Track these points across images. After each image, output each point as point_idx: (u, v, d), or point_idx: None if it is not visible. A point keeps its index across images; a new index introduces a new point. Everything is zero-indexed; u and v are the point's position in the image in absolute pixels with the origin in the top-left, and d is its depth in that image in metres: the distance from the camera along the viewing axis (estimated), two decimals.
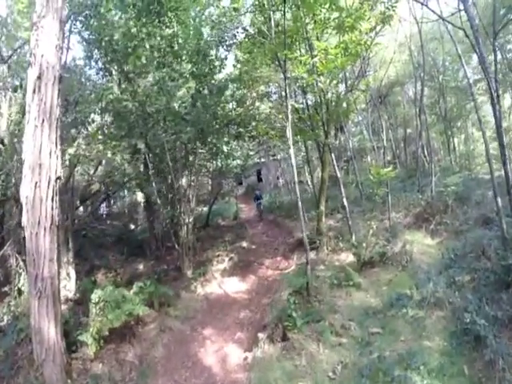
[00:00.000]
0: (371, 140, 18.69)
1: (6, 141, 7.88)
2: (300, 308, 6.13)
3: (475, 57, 17.94)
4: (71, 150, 8.90)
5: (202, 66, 9.09)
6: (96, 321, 5.46)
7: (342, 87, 12.51)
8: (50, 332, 4.43)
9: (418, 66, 14.67)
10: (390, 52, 16.34)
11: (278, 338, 5.57)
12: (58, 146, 4.58)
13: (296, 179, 7.77)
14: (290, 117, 7.73)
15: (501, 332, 4.49)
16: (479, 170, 15.85)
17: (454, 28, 17.29)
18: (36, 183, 4.29)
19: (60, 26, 4.81)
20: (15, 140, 7.69)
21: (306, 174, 19.84)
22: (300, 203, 7.44)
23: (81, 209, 11.70)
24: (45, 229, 4.35)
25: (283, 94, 13.27)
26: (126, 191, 15.34)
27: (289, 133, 7.67)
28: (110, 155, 9.62)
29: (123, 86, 8.63)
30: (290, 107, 8.08)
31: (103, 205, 13.54)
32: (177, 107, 8.67)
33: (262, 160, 24.90)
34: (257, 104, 12.10)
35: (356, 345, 5.30)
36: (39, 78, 4.40)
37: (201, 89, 9.23)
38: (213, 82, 9.37)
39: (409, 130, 22.43)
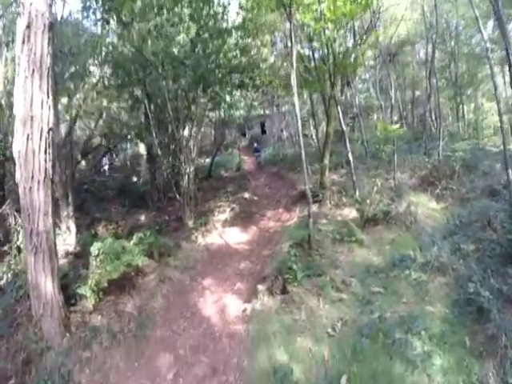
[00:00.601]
0: (378, 98, 17.03)
1: (2, 101, 7.25)
2: (301, 261, 5.73)
3: (490, 24, 15.60)
4: (64, 100, 8.03)
5: (203, 9, 7.71)
6: (95, 273, 5.08)
7: (350, 41, 11.02)
8: (47, 286, 4.16)
9: (430, 27, 13.13)
10: (401, 9, 14.62)
11: (278, 291, 5.22)
12: (50, 97, 4.16)
13: (300, 129, 6.95)
14: (294, 64, 6.80)
15: (505, 307, 4.05)
16: (486, 142, 14.70)
17: None
18: (28, 136, 3.97)
19: None
20: (12, 99, 6.77)
21: (311, 127, 18.61)
22: (304, 155, 6.71)
23: (83, 163, 11.02)
24: (38, 182, 4.05)
25: (288, 41, 11.80)
26: (128, 144, 14.60)
27: (293, 80, 6.76)
28: (109, 105, 8.79)
29: (119, 31, 7.36)
30: (295, 53, 6.97)
31: (105, 158, 12.82)
32: (176, 52, 7.68)
33: (267, 112, 23.36)
34: (261, 51, 10.67)
35: (357, 302, 4.94)
36: (28, 27, 3.97)
37: (201, 32, 7.88)
38: (214, 26, 7.97)
39: (417, 93, 20.70)
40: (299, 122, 7.02)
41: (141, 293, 5.39)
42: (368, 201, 7.81)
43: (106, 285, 5.04)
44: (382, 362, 3.75)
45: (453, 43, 15.60)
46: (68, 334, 4.15)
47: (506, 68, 9.20)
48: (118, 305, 4.96)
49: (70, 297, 4.70)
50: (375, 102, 17.61)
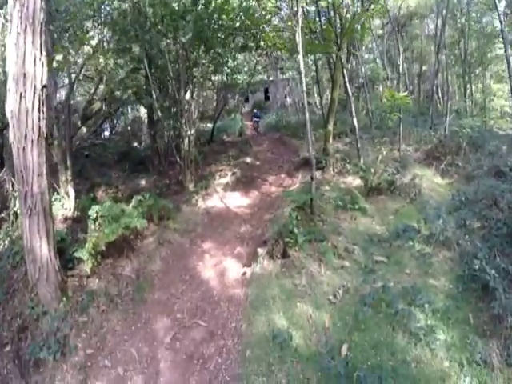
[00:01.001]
0: (385, 68, 15.54)
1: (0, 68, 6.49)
2: (302, 225, 5.34)
3: (502, 4, 13.56)
4: (59, 57, 7.13)
5: None
6: (93, 236, 4.70)
7: (357, 4, 9.56)
8: (43, 250, 3.86)
9: (440, 1, 12.08)
10: None
11: (278, 255, 4.88)
12: (44, 53, 3.78)
13: (305, 89, 6.31)
14: (299, 19, 6.04)
15: (510, 288, 3.67)
16: (493, 124, 13.73)
17: None
18: (21, 94, 3.64)
19: None
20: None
21: (315, 94, 17.30)
22: (308, 117, 6.09)
23: (83, 129, 10.25)
24: (32, 142, 3.73)
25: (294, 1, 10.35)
26: (128, 108, 13.60)
27: (298, 37, 6.02)
28: (109, 68, 7.85)
29: None
30: (300, 8, 5.94)
31: (106, 123, 11.95)
32: (176, 6, 6.86)
33: (270, 78, 21.66)
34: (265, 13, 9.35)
35: (359, 270, 4.63)
36: None
37: None
38: None
39: (424, 67, 19.08)
40: (304, 82, 6.27)
41: (139, 256, 5.07)
42: (372, 169, 7.25)
43: (103, 248, 4.71)
44: (384, 333, 3.50)
45: (463, 20, 14.12)
46: (65, 299, 3.89)
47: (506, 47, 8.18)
48: (116, 268, 4.66)
49: (67, 261, 4.40)
50: (381, 72, 16.16)
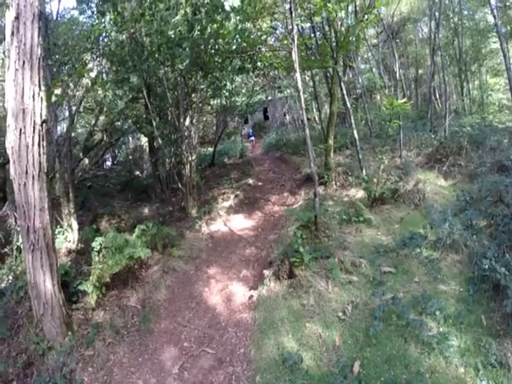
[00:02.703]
0: (382, 77, 16.17)
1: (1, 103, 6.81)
2: (308, 243, 5.42)
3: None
4: (57, 91, 7.70)
5: None
6: (97, 268, 4.89)
7: (351, 16, 10.20)
8: (47, 285, 3.96)
9: (432, 3, 12.43)
10: None
11: (285, 275, 4.93)
12: (42, 88, 3.92)
13: (303, 106, 6.48)
14: (295, 37, 6.29)
15: None
16: (492, 119, 13.94)
17: None
18: (20, 130, 3.74)
19: None
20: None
21: (314, 110, 17.90)
22: (308, 132, 6.27)
23: (86, 161, 10.81)
24: (33, 177, 3.83)
25: (288, 20, 11.08)
26: (129, 138, 14.30)
27: (294, 55, 6.23)
28: (108, 99, 8.44)
29: (112, 17, 6.88)
30: (295, 26, 6.38)
31: (107, 154, 12.57)
32: (172, 34, 7.13)
33: (269, 98, 22.62)
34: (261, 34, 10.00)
35: (367, 284, 4.63)
36: (17, 18, 3.73)
37: (197, 12, 7.30)
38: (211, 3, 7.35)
39: (420, 71, 19.81)
40: (302, 99, 6.52)
41: (144, 285, 5.19)
42: (375, 179, 7.39)
43: (108, 279, 4.87)
44: (397, 346, 3.48)
45: (456, 19, 14.78)
46: (70, 333, 3.98)
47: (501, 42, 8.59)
48: (121, 299, 4.78)
49: (71, 294, 4.54)
50: (378, 81, 16.76)
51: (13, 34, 3.71)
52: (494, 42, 15.88)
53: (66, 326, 4.03)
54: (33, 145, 3.78)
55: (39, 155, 3.84)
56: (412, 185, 7.23)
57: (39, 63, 3.85)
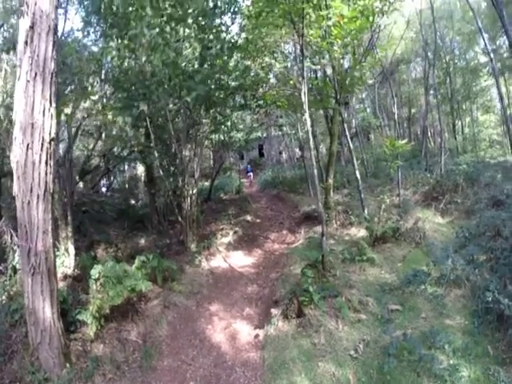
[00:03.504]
0: (378, 116, 17.80)
1: (1, 114, 7.07)
2: (315, 282, 5.62)
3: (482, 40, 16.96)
4: (68, 110, 8.04)
5: (207, 30, 8.01)
6: (96, 298, 4.90)
7: (354, 58, 11.58)
8: (46, 312, 3.91)
9: (426, 45, 14.17)
10: (396, 28, 15.54)
11: (293, 314, 5.07)
12: (53, 104, 3.93)
13: (312, 146, 7.12)
14: (305, 78, 7.05)
15: None
16: (484, 155, 15.38)
17: (464, 6, 16.07)
18: (28, 145, 3.70)
19: None
20: (10, 113, 6.81)
21: (312, 146, 18.96)
22: (316, 173, 6.82)
23: (80, 185, 11.03)
24: (38, 197, 3.78)
25: (289, 60, 12.37)
26: (125, 166, 14.64)
27: (304, 96, 6.86)
28: (109, 124, 8.86)
29: (125, 42, 7.53)
30: (305, 69, 7.25)
31: (103, 180, 12.84)
32: (184, 66, 7.72)
33: (264, 135, 23.98)
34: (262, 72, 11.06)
35: (376, 322, 4.86)
36: (32, 27, 3.76)
37: (209, 47, 8.15)
38: (219, 40, 8.25)
39: (413, 110, 21.72)
40: (311, 139, 7.15)
41: (145, 319, 5.18)
42: (376, 219, 7.90)
43: (107, 311, 4.87)
44: (410, 380, 3.67)
45: (448, 59, 16.52)
46: (68, 365, 3.92)
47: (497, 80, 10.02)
48: (121, 332, 4.75)
49: (69, 323, 4.50)
50: (373, 120, 18.29)
51: (26, 43, 3.73)
52: (485, 80, 17.97)
53: (64, 356, 3.97)
54: (40, 162, 3.74)
55: (45, 174, 3.80)
56: (412, 223, 7.73)
57: (51, 78, 3.83)
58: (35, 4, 3.80)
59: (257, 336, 5.04)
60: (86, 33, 8.46)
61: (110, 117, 8.06)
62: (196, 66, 8.05)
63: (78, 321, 4.55)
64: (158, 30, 7.17)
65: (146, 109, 7.85)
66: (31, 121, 3.70)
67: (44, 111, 3.78)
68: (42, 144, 3.75)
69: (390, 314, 4.97)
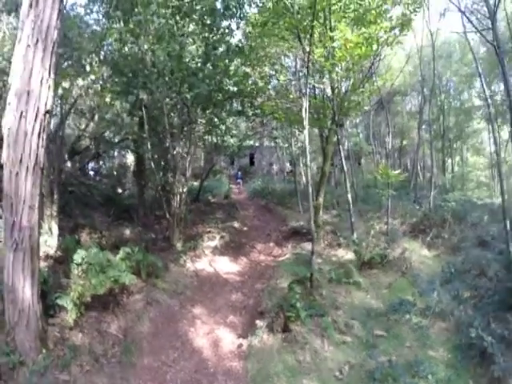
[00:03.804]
0: (371, 143, 18.53)
1: None
2: (302, 298, 5.68)
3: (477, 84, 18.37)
4: (66, 84, 7.73)
5: (214, 30, 8.12)
6: (78, 284, 4.73)
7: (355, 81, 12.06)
8: (26, 291, 3.72)
9: (422, 80, 14.76)
10: (396, 60, 16.43)
11: (279, 328, 5.11)
12: (52, 75, 3.76)
13: (309, 162, 7.33)
14: (307, 95, 7.18)
15: (508, 351, 4.33)
16: (471, 195, 16.18)
17: (464, 48, 17.27)
18: (21, 113, 3.55)
19: None
20: (5, 78, 6.39)
21: (301, 165, 19.49)
22: (310, 189, 6.99)
23: (68, 164, 10.60)
24: (27, 169, 3.62)
25: (292, 71, 12.65)
26: (115, 152, 14.25)
27: (304, 113, 7.04)
28: (108, 102, 8.62)
29: (130, 26, 7.41)
30: (308, 85, 7.46)
31: (92, 163, 12.43)
32: (187, 61, 7.75)
33: (257, 144, 24.23)
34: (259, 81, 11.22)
35: (361, 345, 4.98)
36: None
37: (215, 46, 8.23)
38: (222, 41, 8.35)
39: (404, 142, 22.56)
40: (308, 156, 7.43)
41: (126, 313, 5.03)
42: (364, 243, 8.15)
43: (89, 299, 4.70)
44: None
45: (443, 97, 17.39)
46: (44, 351, 3.72)
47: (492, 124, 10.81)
48: (101, 323, 4.58)
49: (48, 307, 4.28)
50: (365, 146, 18.88)
51: (31, 6, 3.57)
52: (478, 123, 19.04)
53: (41, 341, 3.77)
54: (32, 133, 3.59)
55: (37, 147, 3.65)
56: (399, 252, 8.02)
57: (53, 47, 3.68)
58: None
59: (240, 346, 5.01)
60: (88, 10, 8.32)
61: (107, 99, 7.88)
62: (199, 64, 8.04)
63: (58, 305, 4.34)
64: (163, 20, 7.19)
65: (145, 97, 7.74)
66: (27, 88, 3.55)
67: (42, 80, 3.62)
68: (37, 114, 3.61)
69: (375, 339, 5.12)
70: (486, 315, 5.03)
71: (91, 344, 4.15)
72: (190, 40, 8.32)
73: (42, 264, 5.42)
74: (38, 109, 3.63)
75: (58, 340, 3.97)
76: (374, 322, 5.58)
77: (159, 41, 7.32)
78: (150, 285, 5.99)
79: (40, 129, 3.69)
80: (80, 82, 8.52)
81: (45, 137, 3.82)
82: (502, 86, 17.41)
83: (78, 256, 5.25)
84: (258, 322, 5.36)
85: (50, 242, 6.03)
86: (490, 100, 11.23)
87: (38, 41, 3.58)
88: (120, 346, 4.37)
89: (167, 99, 8.33)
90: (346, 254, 8.43)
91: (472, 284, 6.28)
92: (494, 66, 15.16)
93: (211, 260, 8.18)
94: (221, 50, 8.33)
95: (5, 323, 3.72)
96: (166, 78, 7.64)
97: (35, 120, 3.63)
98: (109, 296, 5.09)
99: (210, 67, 8.19)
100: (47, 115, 3.81)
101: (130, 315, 5.04)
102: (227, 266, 8.09)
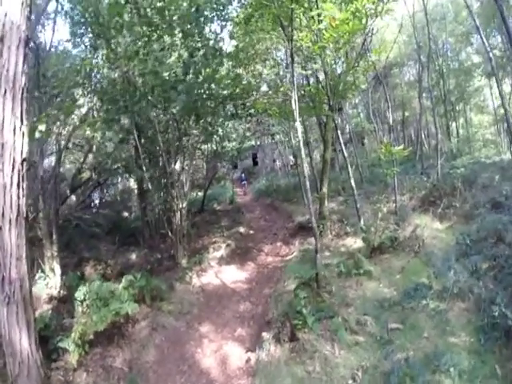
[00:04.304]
0: (372, 121, 17.86)
1: None
2: (309, 302, 5.37)
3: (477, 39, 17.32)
4: (42, 127, 7.86)
5: (195, 35, 7.88)
6: (79, 323, 4.70)
7: (347, 61, 11.53)
8: (23, 343, 3.70)
9: (418, 48, 14.23)
10: (389, 32, 15.71)
11: (286, 338, 4.81)
12: (25, 122, 3.71)
13: (303, 155, 6.86)
14: (295, 85, 6.76)
15: None
16: (478, 155, 15.27)
17: (457, 7, 16.31)
18: None
19: None
20: None
21: (303, 156, 19.02)
22: (308, 183, 6.60)
23: (73, 198, 10.82)
24: (10, 222, 3.59)
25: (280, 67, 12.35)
26: (118, 178, 14.46)
27: (294, 104, 6.61)
28: (98, 138, 8.73)
29: (104, 52, 7.41)
30: (295, 74, 7.14)
31: (95, 193, 12.66)
32: (166, 76, 7.52)
33: (258, 143, 24.00)
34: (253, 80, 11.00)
35: (375, 343, 4.61)
36: (1, 40, 3.53)
37: (194, 55, 8.03)
38: (207, 48, 8.11)
39: (406, 113, 21.73)
40: (302, 149, 6.99)
41: (131, 344, 4.95)
42: (372, 228, 7.72)
43: (91, 337, 4.67)
44: None
45: (441, 61, 16.69)
46: None
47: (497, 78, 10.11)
48: (105, 359, 4.52)
49: (51, 351, 4.26)
50: (366, 125, 18.28)
51: None
52: (479, 81, 18.17)
53: None
54: (11, 185, 3.56)
55: (18, 197, 3.61)
56: (410, 231, 7.49)
57: (22, 94, 3.67)
58: (5, 15, 3.58)
59: (248, 360, 4.79)
60: (74, 43, 8.27)
61: (88, 132, 7.92)
62: (179, 75, 7.79)
63: (60, 348, 4.32)
64: (144, 38, 7.04)
65: (126, 122, 7.71)
66: (1, 141, 3.50)
67: (15, 130, 3.58)
68: (13, 165, 3.55)
69: (390, 333, 4.72)
70: (508, 287, 4.49)
71: (96, 382, 4.10)
72: (172, 52, 8.13)
73: (46, 307, 5.50)
74: (13, 159, 3.59)
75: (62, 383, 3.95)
76: (388, 314, 5.19)
77: (130, 60, 7.18)
78: (155, 309, 5.90)
79: (19, 179, 3.64)
80: (70, 117, 8.59)
81: (25, 186, 3.74)
82: (499, 39, 16.49)
83: (80, 293, 5.28)
84: (264, 334, 5.11)
85: (52, 283, 6.09)
86: (491, 53, 10.50)
87: (6, 91, 3.55)
88: (125, 379, 4.28)
89: (161, 116, 8.30)
90: (355, 243, 8.05)
91: (490, 254, 5.65)
92: (490, 19, 14.26)
93: (217, 271, 8.04)
94: (199, 56, 8.13)
95: (8, 376, 3.74)
96: (149, 97, 7.54)
97: (12, 171, 3.59)
98: (113, 328, 5.02)
99: (193, 76, 7.96)
100: (24, 163, 3.73)
101: (135, 345, 4.95)
102: (234, 275, 7.92)
